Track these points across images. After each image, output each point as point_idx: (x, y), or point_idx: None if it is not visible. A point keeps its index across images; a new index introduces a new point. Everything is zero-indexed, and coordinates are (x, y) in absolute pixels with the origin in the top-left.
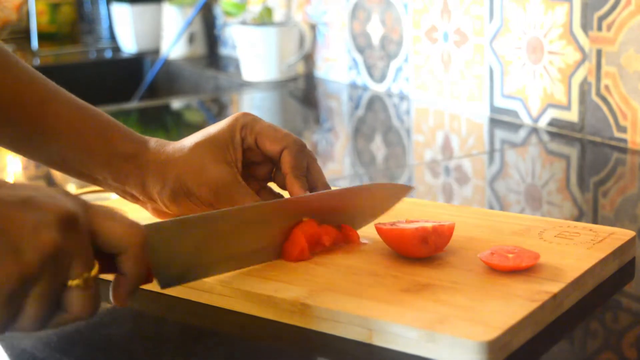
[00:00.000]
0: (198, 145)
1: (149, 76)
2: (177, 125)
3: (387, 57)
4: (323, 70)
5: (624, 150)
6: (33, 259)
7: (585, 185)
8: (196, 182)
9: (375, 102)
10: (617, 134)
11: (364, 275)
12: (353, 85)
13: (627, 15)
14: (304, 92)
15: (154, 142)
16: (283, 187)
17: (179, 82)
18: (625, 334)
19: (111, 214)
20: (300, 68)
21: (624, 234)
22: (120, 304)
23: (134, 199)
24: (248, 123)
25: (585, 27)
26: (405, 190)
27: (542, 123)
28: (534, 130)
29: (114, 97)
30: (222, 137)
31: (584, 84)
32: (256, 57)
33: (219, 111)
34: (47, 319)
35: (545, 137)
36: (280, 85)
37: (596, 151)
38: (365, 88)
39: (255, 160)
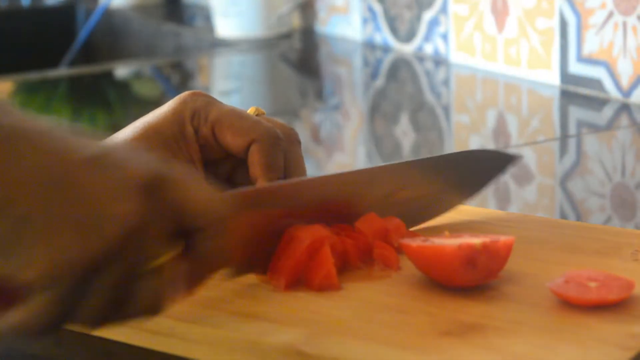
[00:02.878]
0: (138, 144)
1: (84, 32)
2: (123, 101)
3: (418, 6)
4: (327, 23)
5: None
6: (112, 233)
7: None
8: None
9: (400, 68)
10: None
11: (385, 311)
12: (369, 45)
13: None
14: (300, 54)
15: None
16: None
17: (126, 41)
18: None
19: (193, 180)
20: (296, 21)
21: None
22: (189, 293)
23: None
24: (200, 108)
25: None
26: (509, 160)
27: (636, 98)
28: (625, 108)
29: (35, 62)
30: (168, 129)
31: None
32: (234, 6)
33: (182, 81)
34: (115, 309)
35: None
36: (268, 45)
37: None
38: (386, 49)
39: (214, 157)
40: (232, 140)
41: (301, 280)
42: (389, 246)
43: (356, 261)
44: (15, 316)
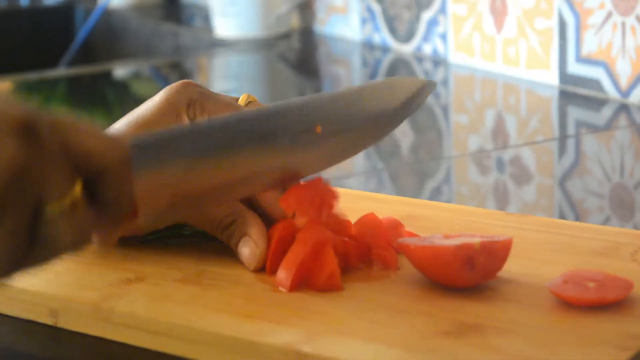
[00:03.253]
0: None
1: (82, 32)
2: (122, 101)
3: (417, 6)
4: (326, 24)
5: None
6: None
7: None
8: None
9: (399, 68)
10: None
11: (384, 311)
12: (368, 45)
13: None
14: (299, 54)
15: None
16: None
17: (124, 41)
18: None
19: (84, 125)
20: (295, 21)
21: None
22: (104, 245)
23: None
24: (196, 99)
25: None
26: (427, 86)
27: (635, 98)
28: (623, 108)
29: (34, 62)
30: (163, 120)
31: None
32: (233, 6)
33: None
34: (24, 255)
35: (639, 118)
36: (267, 45)
37: None
38: (385, 49)
39: None
40: None
41: (304, 282)
42: (387, 246)
43: (356, 262)
44: None
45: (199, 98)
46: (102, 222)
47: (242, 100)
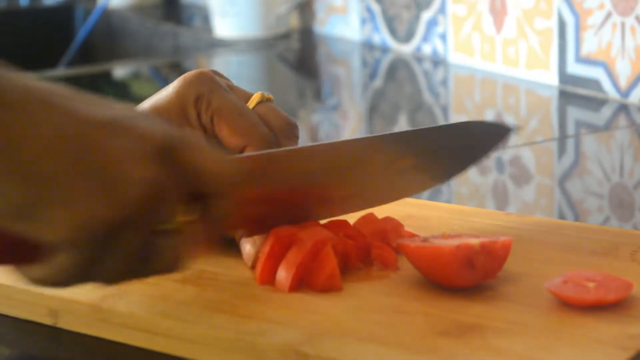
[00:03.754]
0: None
1: (82, 33)
2: (122, 101)
3: (416, 6)
4: (326, 24)
5: None
6: (131, 199)
7: None
8: None
9: (399, 68)
10: None
11: (383, 312)
12: (368, 45)
13: None
14: (299, 54)
15: None
16: None
17: (124, 41)
18: None
19: (204, 146)
20: (294, 21)
21: None
22: (205, 252)
23: None
24: (204, 93)
25: None
26: (506, 131)
27: (635, 98)
28: (623, 108)
29: (33, 62)
30: (172, 111)
31: None
32: (232, 6)
33: None
34: (134, 268)
35: (639, 118)
36: (266, 45)
37: None
38: (384, 49)
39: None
40: (228, 137)
41: (304, 282)
42: (387, 246)
43: (356, 262)
44: (40, 271)
45: (207, 93)
46: (205, 236)
47: (255, 98)
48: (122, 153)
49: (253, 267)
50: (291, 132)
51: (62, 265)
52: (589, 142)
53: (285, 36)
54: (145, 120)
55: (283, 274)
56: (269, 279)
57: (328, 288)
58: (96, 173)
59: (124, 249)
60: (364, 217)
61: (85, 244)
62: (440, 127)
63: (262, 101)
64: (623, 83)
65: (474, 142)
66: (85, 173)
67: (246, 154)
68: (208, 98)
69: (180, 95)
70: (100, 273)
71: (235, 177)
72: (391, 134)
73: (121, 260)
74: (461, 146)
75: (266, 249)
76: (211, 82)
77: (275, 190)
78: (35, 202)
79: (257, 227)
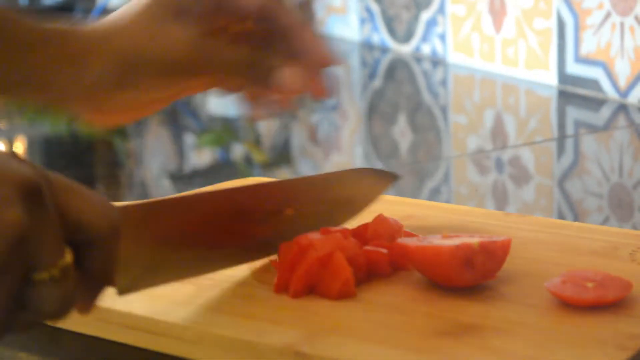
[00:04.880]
0: (153, 2)
1: None
2: None
3: (415, 6)
4: (325, 24)
5: None
6: None
7: None
8: (157, 48)
9: (398, 68)
10: None
11: (383, 312)
12: (367, 45)
13: None
14: None
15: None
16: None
17: None
18: None
19: (79, 190)
20: None
21: None
22: (85, 311)
23: (57, 100)
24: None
25: None
26: (388, 179)
27: (634, 98)
28: (622, 108)
29: None
30: None
31: None
32: None
33: None
34: (9, 321)
35: (638, 118)
36: None
37: None
38: (384, 49)
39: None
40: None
41: (314, 290)
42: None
43: (385, 268)
44: None
45: None
46: (85, 289)
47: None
48: None
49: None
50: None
51: None
52: (589, 142)
53: None
54: (10, 162)
55: (290, 282)
56: (285, 287)
57: (344, 295)
58: None
59: None
60: (378, 220)
61: None
62: (327, 175)
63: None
64: (622, 83)
65: (358, 191)
66: None
67: (125, 203)
68: None
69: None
70: None
71: (115, 225)
72: (275, 182)
73: None
74: (345, 196)
75: (285, 258)
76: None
77: (155, 240)
78: None
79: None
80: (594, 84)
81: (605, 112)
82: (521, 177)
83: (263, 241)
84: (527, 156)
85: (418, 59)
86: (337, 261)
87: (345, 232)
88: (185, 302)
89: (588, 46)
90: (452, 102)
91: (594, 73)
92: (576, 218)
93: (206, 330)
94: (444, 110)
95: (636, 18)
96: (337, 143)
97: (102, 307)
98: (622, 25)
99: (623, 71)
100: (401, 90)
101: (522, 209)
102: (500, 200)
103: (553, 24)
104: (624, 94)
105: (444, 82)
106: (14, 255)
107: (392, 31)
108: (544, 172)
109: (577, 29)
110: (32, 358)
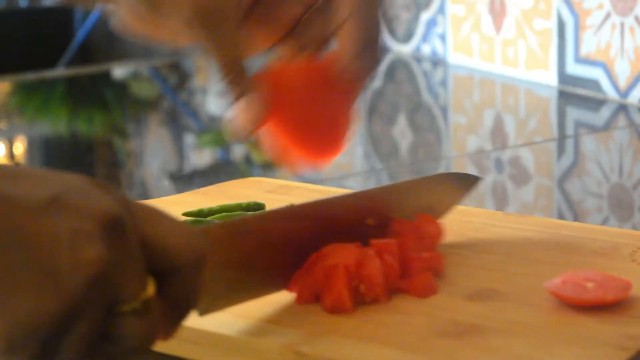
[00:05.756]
0: None
1: (81, 33)
2: (121, 102)
3: (416, 7)
4: None
5: None
6: (76, 285)
7: None
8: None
9: (397, 68)
10: None
11: (383, 312)
12: None
13: None
14: None
15: None
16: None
17: (123, 42)
18: None
19: (162, 217)
20: None
21: None
22: (167, 338)
23: None
24: None
25: None
26: (470, 183)
27: (634, 98)
28: (622, 108)
29: (32, 62)
30: None
31: None
32: None
33: (180, 82)
34: (92, 357)
35: (638, 118)
36: None
37: None
38: (384, 49)
39: None
40: None
41: (315, 298)
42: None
43: (396, 282)
44: None
45: None
46: (168, 317)
47: None
48: (58, 238)
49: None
50: None
51: None
52: (588, 143)
53: None
54: (91, 193)
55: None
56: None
57: (337, 310)
58: (32, 263)
59: (77, 339)
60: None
61: (28, 346)
62: (407, 183)
63: None
64: (622, 83)
65: (440, 196)
66: (19, 265)
67: (208, 226)
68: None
69: None
70: None
71: (200, 253)
72: (360, 192)
73: (77, 351)
74: (426, 203)
75: (308, 268)
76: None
77: (239, 261)
78: None
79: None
80: (594, 84)
81: (605, 112)
82: (521, 177)
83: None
84: (527, 156)
85: (418, 59)
86: (335, 276)
87: (383, 244)
88: None
89: (588, 46)
90: (452, 102)
91: (594, 73)
92: (576, 218)
93: (205, 330)
94: (444, 110)
95: (636, 18)
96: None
97: None
98: (622, 25)
99: (623, 71)
100: (401, 91)
101: (522, 209)
102: (500, 200)
103: (553, 24)
104: (624, 94)
105: (443, 83)
106: (95, 291)
107: (392, 31)
108: (543, 172)
109: (577, 29)
110: None
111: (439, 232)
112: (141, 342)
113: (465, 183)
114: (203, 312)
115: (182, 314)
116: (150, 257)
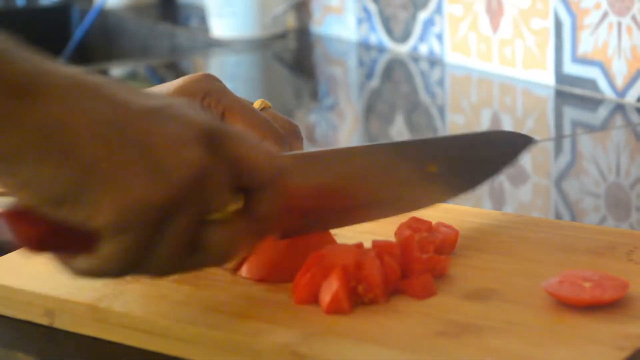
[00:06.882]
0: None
1: (79, 33)
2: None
3: (413, 6)
4: (322, 24)
5: None
6: (179, 181)
7: None
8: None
9: (395, 68)
10: None
11: (381, 312)
12: (364, 45)
13: None
14: (295, 54)
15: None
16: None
17: (121, 41)
18: None
19: (250, 138)
20: (291, 21)
21: None
22: (249, 252)
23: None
24: (213, 92)
25: None
26: (525, 142)
27: (631, 98)
28: (619, 108)
29: None
30: None
31: None
32: (229, 6)
33: None
34: (181, 259)
35: (635, 118)
36: (263, 45)
37: None
38: (381, 49)
39: None
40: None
41: (314, 298)
42: (435, 257)
43: (394, 283)
44: (87, 262)
45: (216, 91)
46: (250, 234)
47: (256, 105)
48: (169, 137)
49: (234, 271)
50: (296, 133)
51: (109, 253)
52: (586, 142)
53: (282, 36)
54: (190, 108)
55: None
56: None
57: (332, 311)
58: (144, 157)
59: (173, 235)
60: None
61: (134, 229)
62: (464, 135)
63: (264, 108)
64: (619, 83)
65: (496, 152)
66: (133, 157)
67: (290, 152)
68: (217, 95)
69: (187, 89)
70: (149, 262)
71: (282, 171)
72: (418, 140)
73: (171, 248)
74: (484, 156)
75: (308, 268)
76: (219, 82)
77: (313, 191)
78: (83, 186)
79: (291, 228)
80: (591, 83)
81: (603, 112)
82: (518, 176)
83: (408, 197)
84: (524, 156)
85: (415, 58)
86: (333, 276)
87: (384, 245)
88: (182, 302)
89: (585, 46)
90: (449, 102)
91: (591, 73)
92: (573, 218)
93: (203, 330)
94: (441, 110)
95: (633, 18)
96: (335, 143)
97: (99, 307)
98: (619, 25)
99: (620, 71)
100: (398, 90)
101: (520, 208)
102: (498, 200)
103: (550, 24)
104: (621, 93)
105: (441, 82)
106: (192, 193)
107: (389, 31)
108: (541, 171)
109: (574, 28)
110: (28, 358)
111: (454, 235)
112: (224, 251)
113: (519, 142)
114: (284, 236)
115: (265, 231)
116: (238, 174)
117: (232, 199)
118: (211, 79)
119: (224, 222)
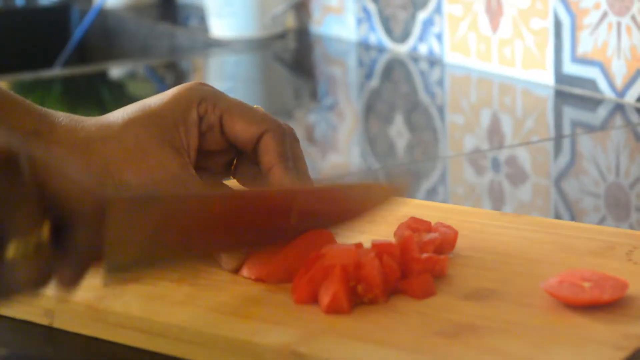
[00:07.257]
0: (134, 123)
1: (78, 33)
2: (117, 101)
3: (412, 6)
4: (322, 24)
5: None
6: None
7: None
8: (133, 173)
9: (394, 68)
10: None
11: (380, 312)
12: (364, 45)
13: None
14: (295, 54)
15: (63, 116)
16: (248, 184)
17: (120, 41)
18: None
19: (63, 168)
20: (290, 21)
21: None
22: (66, 289)
23: None
24: (208, 97)
25: None
26: (394, 192)
27: (631, 98)
28: (619, 108)
29: (29, 62)
30: (169, 113)
31: None
32: (228, 6)
33: (177, 81)
34: None
35: (635, 118)
36: (262, 45)
37: None
38: (380, 49)
39: (210, 147)
40: (243, 129)
41: (313, 298)
42: (434, 258)
43: (393, 284)
44: None
45: (212, 96)
46: (65, 267)
47: None
48: None
49: (234, 271)
50: (293, 134)
51: None
52: (585, 142)
53: (281, 36)
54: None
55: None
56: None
57: (332, 310)
58: None
59: None
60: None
61: None
62: (331, 186)
63: None
64: (619, 83)
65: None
66: None
67: (125, 192)
68: (213, 100)
69: (182, 97)
70: None
71: (95, 204)
72: (279, 189)
73: None
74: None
75: (308, 268)
76: (212, 88)
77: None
78: None
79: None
80: (590, 83)
81: (602, 112)
82: (518, 176)
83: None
84: (524, 156)
85: (415, 58)
86: (333, 276)
87: (384, 245)
88: (182, 302)
89: (585, 46)
90: (448, 102)
91: (591, 73)
92: (573, 218)
93: (203, 330)
94: (440, 110)
95: (633, 18)
96: (334, 143)
97: (99, 307)
98: (618, 25)
99: (620, 71)
100: (398, 90)
101: (519, 208)
102: (497, 200)
103: (550, 23)
104: (621, 93)
105: (440, 82)
106: None
107: (388, 31)
108: (540, 172)
109: (574, 28)
110: (28, 358)
111: (453, 236)
112: (28, 284)
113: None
114: (110, 271)
115: (85, 265)
116: (47, 202)
117: (37, 228)
118: (204, 85)
119: (29, 251)
